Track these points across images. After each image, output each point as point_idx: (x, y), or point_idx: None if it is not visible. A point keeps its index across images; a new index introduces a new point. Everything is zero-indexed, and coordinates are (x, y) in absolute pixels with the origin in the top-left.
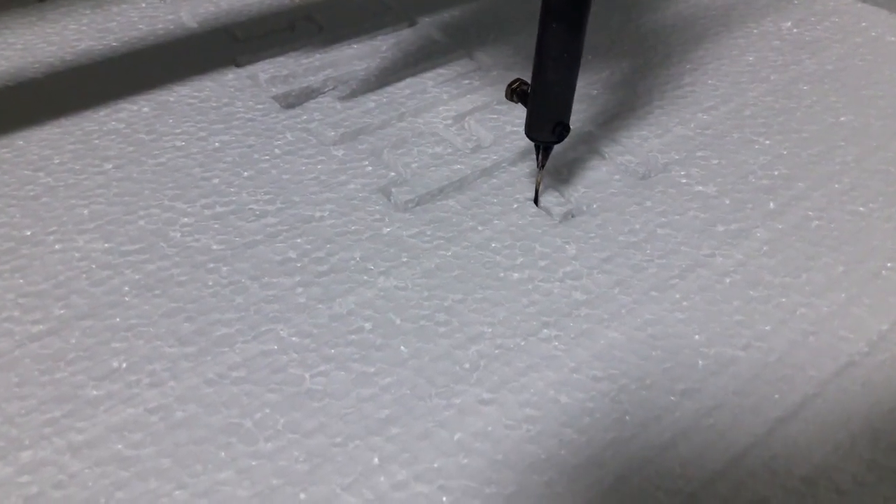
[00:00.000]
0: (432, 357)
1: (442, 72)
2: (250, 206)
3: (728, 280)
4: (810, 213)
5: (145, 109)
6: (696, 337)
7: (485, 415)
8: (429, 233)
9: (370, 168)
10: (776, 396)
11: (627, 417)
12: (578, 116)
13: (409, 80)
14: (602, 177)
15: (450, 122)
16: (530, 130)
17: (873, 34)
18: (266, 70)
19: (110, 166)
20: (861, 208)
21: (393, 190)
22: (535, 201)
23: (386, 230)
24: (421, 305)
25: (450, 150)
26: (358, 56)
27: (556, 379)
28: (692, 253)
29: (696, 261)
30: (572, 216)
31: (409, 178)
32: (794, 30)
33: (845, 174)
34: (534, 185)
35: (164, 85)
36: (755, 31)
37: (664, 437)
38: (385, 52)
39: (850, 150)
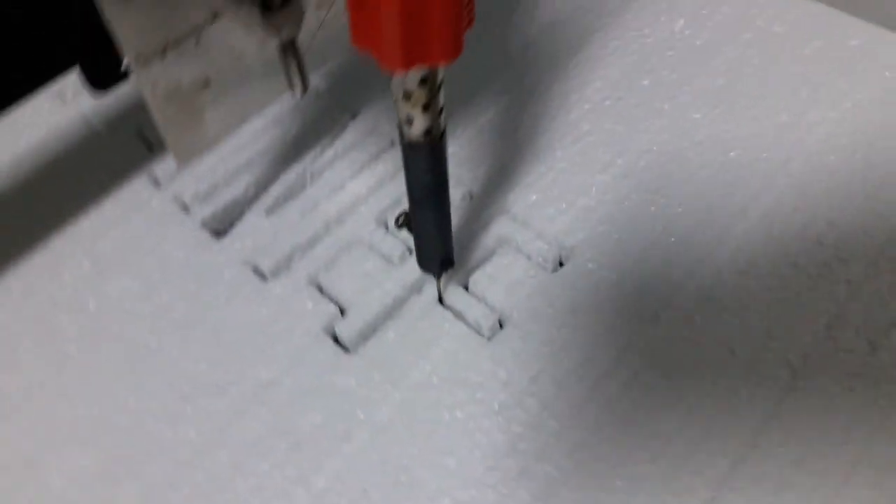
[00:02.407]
0: None
1: (356, 156)
2: (213, 379)
3: (633, 393)
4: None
5: (86, 264)
6: (613, 458)
7: None
8: (376, 378)
9: (311, 304)
10: None
11: None
12: (491, 191)
13: (326, 176)
14: (519, 275)
15: (373, 226)
16: (420, 264)
17: (760, 24)
18: (187, 186)
19: (74, 349)
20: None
21: (336, 328)
22: (440, 300)
23: (339, 382)
24: (384, 470)
25: (380, 265)
26: (269, 149)
27: None
28: (602, 363)
29: (605, 372)
30: (501, 327)
31: (348, 309)
32: (686, 31)
33: (726, 242)
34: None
35: (92, 223)
36: (649, 38)
37: None
38: (294, 134)
39: (735, 201)
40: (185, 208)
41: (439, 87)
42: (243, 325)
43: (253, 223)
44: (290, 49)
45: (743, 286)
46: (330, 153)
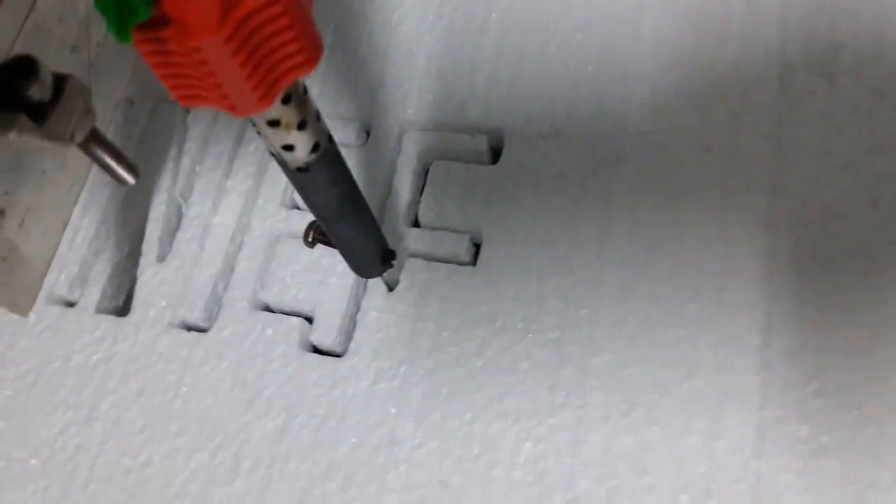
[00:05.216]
0: None
1: (216, 150)
2: (216, 464)
3: (640, 243)
4: None
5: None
6: (656, 309)
7: None
8: (385, 366)
9: (270, 330)
10: None
11: None
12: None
13: (198, 188)
14: (460, 179)
15: (283, 213)
16: (359, 273)
17: None
18: (55, 279)
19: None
20: None
21: (312, 340)
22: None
23: (351, 391)
24: (450, 450)
25: (316, 250)
26: (116, 193)
27: None
28: (593, 229)
29: (602, 235)
30: (477, 249)
31: (314, 313)
32: None
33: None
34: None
35: None
36: None
37: None
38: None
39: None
40: (69, 303)
41: (306, 92)
42: (211, 389)
43: (151, 279)
44: (93, 143)
45: (683, 79)
46: (186, 162)
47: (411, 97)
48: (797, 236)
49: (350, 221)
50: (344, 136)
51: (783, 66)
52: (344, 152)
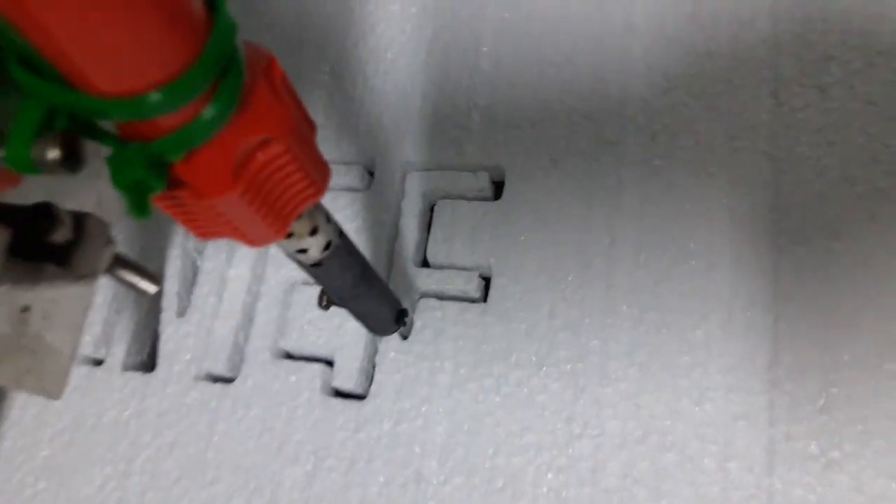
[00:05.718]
0: None
1: None
2: None
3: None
4: None
5: (40, 484)
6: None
7: None
8: (406, 406)
9: (294, 377)
10: None
11: None
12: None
13: (211, 242)
14: (467, 220)
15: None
16: (375, 333)
17: None
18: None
19: None
20: None
21: (335, 384)
22: (405, 338)
23: (375, 432)
24: (474, 486)
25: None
26: (130, 253)
27: None
28: (595, 244)
29: (604, 251)
30: (487, 284)
31: (334, 357)
32: None
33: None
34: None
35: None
36: None
37: None
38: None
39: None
40: (96, 361)
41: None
42: (241, 438)
43: (174, 334)
44: (117, 266)
45: (677, 102)
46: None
47: (410, 138)
48: (800, 256)
49: (364, 297)
50: (348, 180)
51: (776, 81)
52: (350, 197)
